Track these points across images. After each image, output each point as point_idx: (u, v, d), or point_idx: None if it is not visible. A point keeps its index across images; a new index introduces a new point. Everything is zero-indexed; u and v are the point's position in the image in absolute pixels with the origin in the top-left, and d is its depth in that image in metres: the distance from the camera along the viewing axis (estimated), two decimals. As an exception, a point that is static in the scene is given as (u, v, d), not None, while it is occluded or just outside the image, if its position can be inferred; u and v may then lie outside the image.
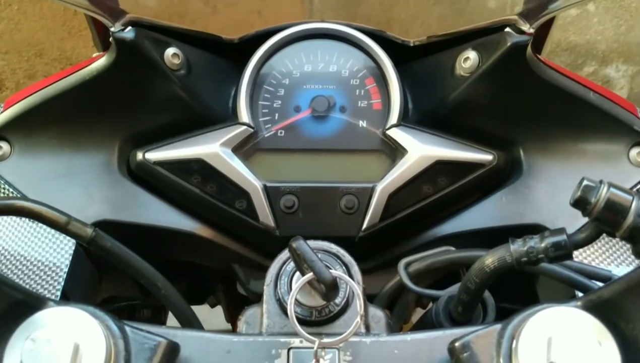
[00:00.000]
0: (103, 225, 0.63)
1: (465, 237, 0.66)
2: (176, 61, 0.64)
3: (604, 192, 0.43)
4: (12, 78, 1.92)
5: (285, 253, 0.49)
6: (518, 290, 0.71)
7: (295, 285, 0.45)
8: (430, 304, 0.65)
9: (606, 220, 0.43)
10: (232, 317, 0.88)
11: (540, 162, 0.67)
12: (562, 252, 0.45)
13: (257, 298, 0.69)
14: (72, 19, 1.86)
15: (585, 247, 0.60)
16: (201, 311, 0.99)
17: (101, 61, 0.62)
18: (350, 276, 0.49)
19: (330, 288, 0.43)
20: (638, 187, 0.65)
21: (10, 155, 0.65)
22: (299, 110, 0.68)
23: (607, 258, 0.60)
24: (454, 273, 0.67)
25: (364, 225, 0.63)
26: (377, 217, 0.63)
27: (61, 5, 1.76)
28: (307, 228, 0.63)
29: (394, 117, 0.66)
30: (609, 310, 0.41)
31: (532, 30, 0.60)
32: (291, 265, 0.49)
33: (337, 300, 0.47)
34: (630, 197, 0.43)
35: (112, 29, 0.60)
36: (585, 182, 0.44)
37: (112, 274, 0.70)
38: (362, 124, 0.68)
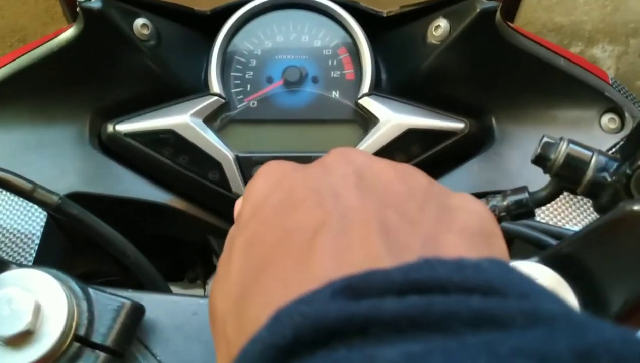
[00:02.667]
0: (75, 197, 0.62)
1: (438, 205, 0.66)
2: (145, 32, 0.63)
3: (563, 148, 0.43)
4: (-6, 64, 1.90)
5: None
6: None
7: None
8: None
9: (566, 176, 0.43)
10: (212, 292, 0.87)
11: (512, 130, 0.67)
12: (524, 209, 0.45)
13: (232, 270, 0.70)
14: (55, 4, 1.84)
15: (554, 209, 0.60)
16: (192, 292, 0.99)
17: (69, 32, 0.62)
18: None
19: None
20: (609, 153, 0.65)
21: (-20, 129, 0.65)
22: (271, 81, 0.67)
23: (574, 218, 0.61)
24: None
25: (337, 194, 0.63)
26: (350, 186, 0.63)
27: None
28: (279, 198, 0.63)
29: (365, 86, 0.66)
30: (568, 264, 0.42)
31: (500, -4, 0.60)
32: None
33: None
34: (590, 153, 0.43)
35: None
36: (545, 139, 0.44)
37: (87, 249, 0.70)
38: (335, 94, 0.67)
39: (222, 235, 0.69)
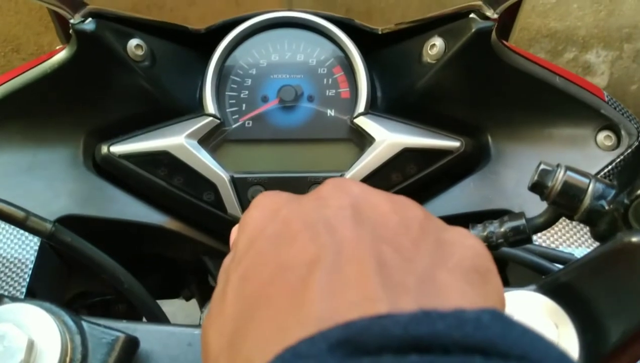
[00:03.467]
0: (68, 220, 0.62)
1: (435, 224, 0.66)
2: (139, 52, 0.63)
3: (560, 175, 0.43)
4: (-12, 74, 1.89)
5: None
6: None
7: None
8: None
9: (563, 203, 0.43)
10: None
11: (507, 148, 0.67)
12: (521, 236, 0.45)
13: (228, 290, 0.70)
14: (49, 14, 1.84)
15: (549, 229, 0.60)
16: (188, 306, 0.98)
17: (62, 54, 0.61)
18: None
19: None
20: (605, 171, 0.65)
21: (-28, 151, 0.64)
22: (267, 100, 0.67)
23: (569, 239, 0.61)
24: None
25: (333, 215, 0.63)
26: (346, 206, 0.63)
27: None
28: (275, 219, 0.63)
29: (361, 105, 0.65)
30: (565, 293, 0.42)
31: (496, 16, 0.60)
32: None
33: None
34: (587, 180, 0.43)
35: (71, 21, 0.59)
36: (542, 166, 0.44)
37: (82, 269, 0.69)
38: (330, 113, 0.67)
39: (217, 255, 0.68)
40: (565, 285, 0.42)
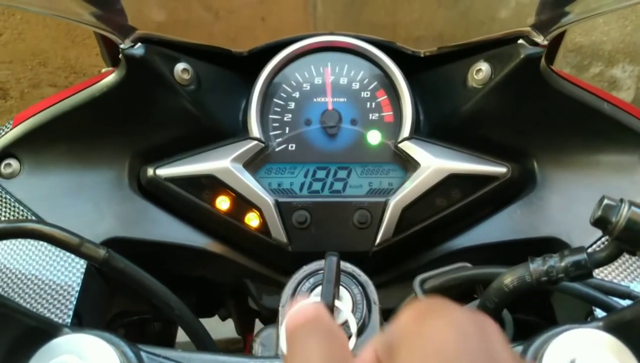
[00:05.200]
0: (114, 242, 0.62)
1: (480, 251, 0.65)
2: (186, 76, 0.63)
3: (624, 211, 0.42)
4: (16, 87, 1.92)
5: (300, 273, 0.49)
6: (533, 300, 0.70)
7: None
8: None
9: (627, 239, 0.42)
10: (244, 330, 0.87)
11: (554, 174, 0.66)
12: (583, 271, 0.44)
13: (269, 313, 0.69)
14: (76, 28, 1.86)
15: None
16: (209, 319, 0.99)
17: (111, 78, 0.62)
18: (367, 295, 0.49)
19: None
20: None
21: (20, 173, 0.65)
22: (310, 124, 0.67)
23: (624, 271, 0.59)
24: (471, 288, 0.67)
25: (377, 240, 0.63)
26: (391, 232, 0.63)
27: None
28: (319, 244, 0.63)
29: (406, 130, 0.65)
30: (631, 332, 0.41)
31: (545, 43, 0.59)
32: (306, 285, 0.48)
33: (355, 321, 0.46)
34: (652, 216, 0.42)
35: (121, 46, 0.59)
36: (605, 201, 0.43)
37: (124, 290, 0.70)
38: (374, 137, 0.67)
39: (259, 278, 0.68)
40: (630, 324, 0.41)
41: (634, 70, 2.17)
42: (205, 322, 0.89)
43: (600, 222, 0.43)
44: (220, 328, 1.02)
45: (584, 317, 0.58)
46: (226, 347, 1.37)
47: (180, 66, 0.63)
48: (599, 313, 0.54)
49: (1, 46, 1.83)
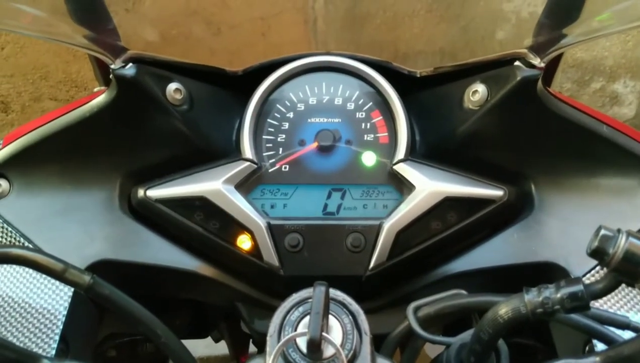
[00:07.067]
0: (103, 264, 0.61)
1: (476, 275, 0.64)
2: (178, 96, 0.62)
3: (622, 242, 0.41)
4: (17, 101, 1.92)
5: (289, 302, 0.48)
6: (531, 324, 0.69)
7: (282, 341, 0.44)
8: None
9: (625, 271, 0.41)
10: (237, 352, 0.86)
11: (552, 197, 0.65)
12: (579, 303, 0.43)
13: (261, 338, 0.68)
14: (85, 53, 1.86)
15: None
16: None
17: (101, 98, 0.61)
18: (357, 325, 0.47)
19: (312, 349, 0.41)
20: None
21: (9, 193, 0.64)
22: (304, 144, 0.66)
23: (622, 299, 0.58)
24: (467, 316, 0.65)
25: (371, 264, 0.62)
26: (385, 256, 0.61)
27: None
28: (312, 268, 0.62)
29: (401, 151, 0.64)
30: (630, 367, 0.39)
31: (542, 65, 0.58)
32: (295, 314, 0.47)
33: (345, 352, 0.45)
34: (651, 247, 0.41)
35: (112, 66, 0.59)
36: (602, 232, 0.42)
37: (114, 312, 0.68)
38: (369, 158, 0.66)
39: (251, 302, 0.67)
40: (629, 360, 0.39)
41: (636, 85, 2.16)
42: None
43: (597, 254, 0.42)
44: (214, 345, 1.00)
45: (582, 345, 0.57)
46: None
47: (172, 86, 0.62)
48: (598, 341, 0.53)
49: (3, 60, 1.83)
